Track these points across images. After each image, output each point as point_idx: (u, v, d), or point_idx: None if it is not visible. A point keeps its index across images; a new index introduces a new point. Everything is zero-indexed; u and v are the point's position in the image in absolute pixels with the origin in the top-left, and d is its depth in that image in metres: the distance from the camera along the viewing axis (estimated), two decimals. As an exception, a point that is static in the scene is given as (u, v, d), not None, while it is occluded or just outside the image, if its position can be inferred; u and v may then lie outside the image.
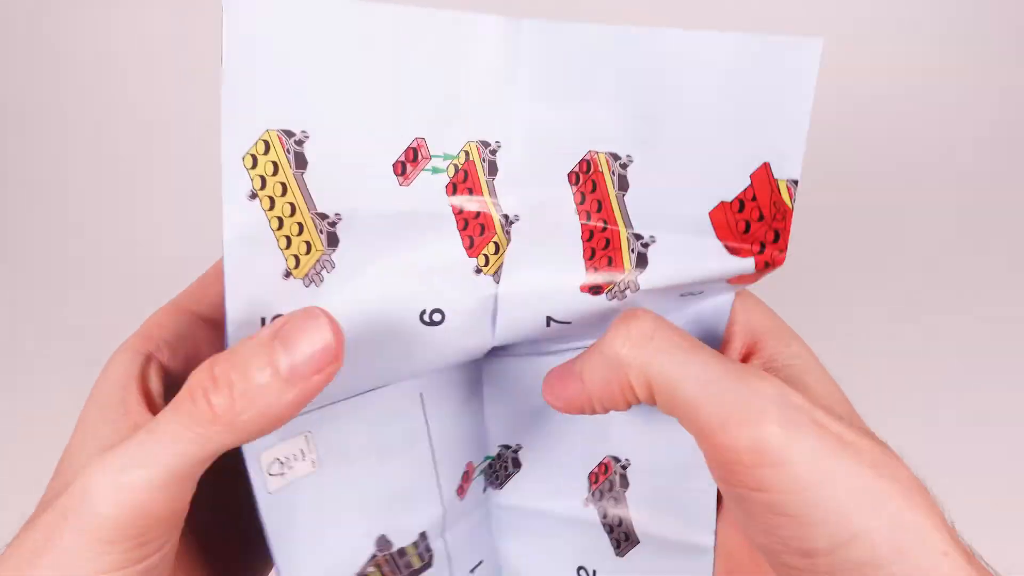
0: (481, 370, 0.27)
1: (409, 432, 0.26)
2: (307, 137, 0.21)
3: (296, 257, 0.21)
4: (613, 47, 0.21)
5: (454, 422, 0.27)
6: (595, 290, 0.23)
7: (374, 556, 0.26)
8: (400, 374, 0.25)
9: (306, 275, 0.22)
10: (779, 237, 0.21)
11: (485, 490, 0.29)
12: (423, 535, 0.27)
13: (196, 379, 0.19)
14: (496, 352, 0.26)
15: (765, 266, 0.21)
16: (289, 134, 0.20)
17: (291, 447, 0.24)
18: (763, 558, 0.23)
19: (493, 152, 0.22)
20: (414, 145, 0.21)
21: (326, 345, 0.19)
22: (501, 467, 0.29)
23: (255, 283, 0.21)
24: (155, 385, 0.23)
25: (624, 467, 0.27)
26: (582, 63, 0.21)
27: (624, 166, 0.22)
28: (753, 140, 0.20)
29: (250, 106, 0.20)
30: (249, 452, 0.23)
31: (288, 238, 0.21)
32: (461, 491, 0.28)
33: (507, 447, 0.28)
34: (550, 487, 0.29)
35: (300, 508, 0.24)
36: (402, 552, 0.27)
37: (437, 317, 0.23)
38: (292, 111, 0.20)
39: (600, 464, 0.27)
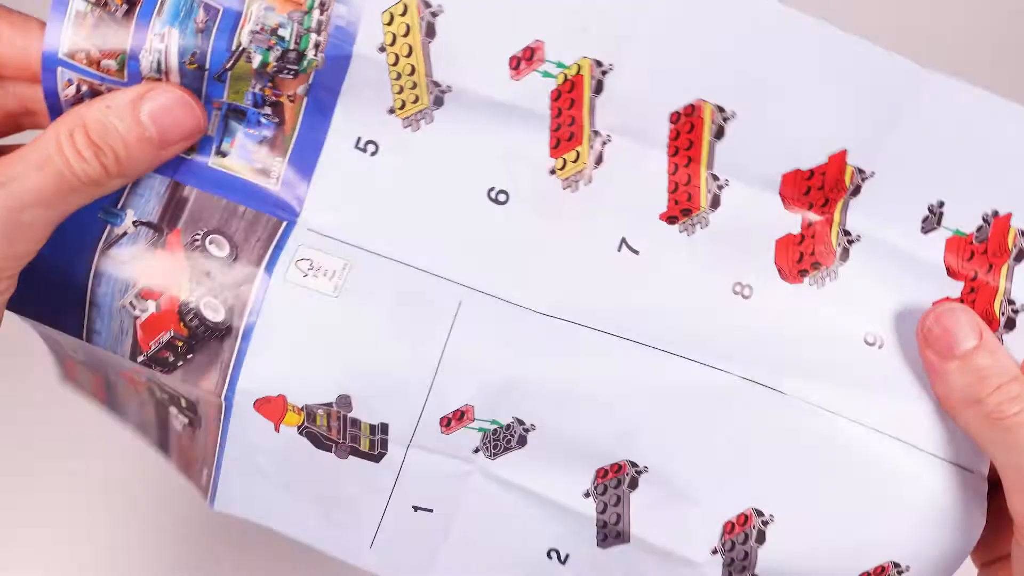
0: (528, 334, 0.25)
1: (428, 328, 0.24)
2: (442, 11, 0.23)
3: (403, 102, 0.24)
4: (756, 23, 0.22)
5: (477, 357, 0.25)
6: (671, 220, 0.24)
7: (329, 404, 0.25)
8: (452, 257, 0.25)
9: (406, 118, 0.24)
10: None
11: (476, 451, 0.26)
12: (384, 426, 0.25)
13: (73, 139, 0.22)
14: (545, 317, 0.25)
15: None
16: (427, 4, 0.22)
17: (328, 261, 0.24)
18: None
19: (604, 72, 0.23)
20: (533, 45, 0.23)
21: (187, 112, 0.23)
22: (504, 438, 0.26)
23: (362, 108, 0.24)
24: None
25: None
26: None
27: (726, 119, 0.23)
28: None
29: None
30: (293, 241, 0.24)
31: (402, 87, 0.23)
32: (446, 423, 0.25)
33: (520, 422, 0.25)
34: (553, 471, 0.26)
35: (297, 317, 0.24)
36: (355, 422, 0.25)
37: (502, 198, 0.24)
38: None
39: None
